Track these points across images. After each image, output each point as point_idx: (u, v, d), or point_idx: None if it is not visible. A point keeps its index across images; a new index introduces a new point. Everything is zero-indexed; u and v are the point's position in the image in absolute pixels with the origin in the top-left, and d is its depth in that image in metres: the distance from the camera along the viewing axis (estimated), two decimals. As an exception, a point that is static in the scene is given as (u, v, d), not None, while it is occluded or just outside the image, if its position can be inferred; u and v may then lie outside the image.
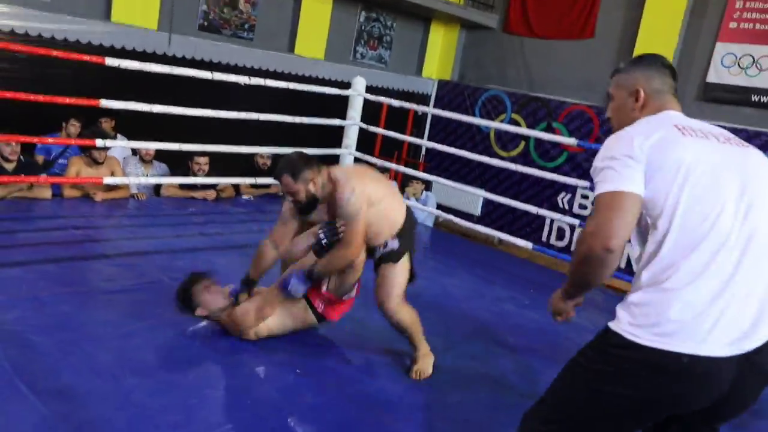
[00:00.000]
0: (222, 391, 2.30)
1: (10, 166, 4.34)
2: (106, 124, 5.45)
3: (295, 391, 2.39)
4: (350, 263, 2.60)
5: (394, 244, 2.65)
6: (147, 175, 5.21)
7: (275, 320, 2.72)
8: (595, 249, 1.47)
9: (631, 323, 1.49)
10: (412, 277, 2.75)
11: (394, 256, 2.65)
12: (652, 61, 1.76)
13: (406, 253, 2.68)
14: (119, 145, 5.14)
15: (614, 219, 1.45)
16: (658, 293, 1.47)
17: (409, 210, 2.80)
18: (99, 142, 4.28)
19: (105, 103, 4.02)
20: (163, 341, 2.63)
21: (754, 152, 1.59)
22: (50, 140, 4.22)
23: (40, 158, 5.13)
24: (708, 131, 1.59)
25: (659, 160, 1.48)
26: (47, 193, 4.51)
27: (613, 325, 1.53)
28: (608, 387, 1.49)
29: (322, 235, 2.60)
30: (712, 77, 7.18)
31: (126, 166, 5.21)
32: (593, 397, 1.53)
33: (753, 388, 1.55)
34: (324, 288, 2.72)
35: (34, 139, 4.04)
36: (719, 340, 1.42)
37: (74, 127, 5.06)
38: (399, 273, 2.66)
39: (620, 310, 1.55)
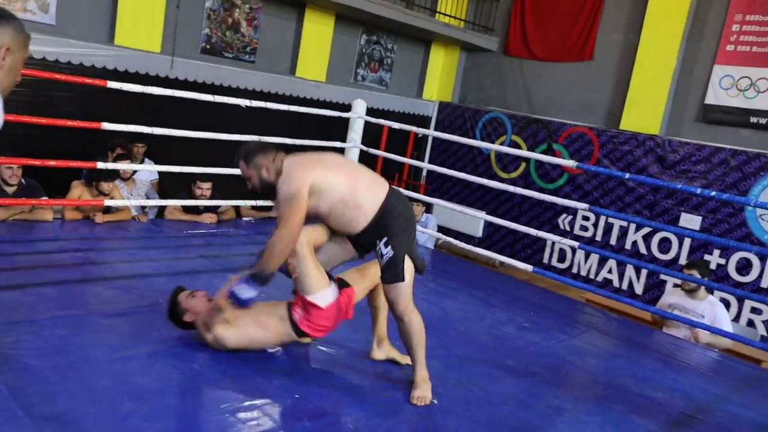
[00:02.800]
0: (219, 416, 2.28)
1: (10, 189, 4.35)
2: (140, 149, 5.51)
3: (294, 416, 2.37)
4: (288, 246, 2.51)
5: (389, 252, 2.57)
6: (131, 193, 5.22)
7: (241, 331, 2.65)
8: None
9: None
10: (418, 270, 2.67)
11: (393, 273, 2.57)
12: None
13: (404, 258, 2.58)
14: (145, 169, 5.19)
15: None
16: None
17: (393, 194, 2.67)
18: (100, 165, 4.31)
19: (107, 126, 4.05)
20: (161, 365, 2.61)
21: None
22: (52, 163, 4.23)
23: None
24: None
25: None
26: (48, 216, 4.52)
27: None
28: None
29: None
30: (710, 99, 7.23)
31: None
32: None
33: None
34: (293, 290, 2.70)
35: (35, 162, 4.06)
36: None
37: (119, 154, 5.13)
38: (404, 285, 2.60)
39: None
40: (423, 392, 2.60)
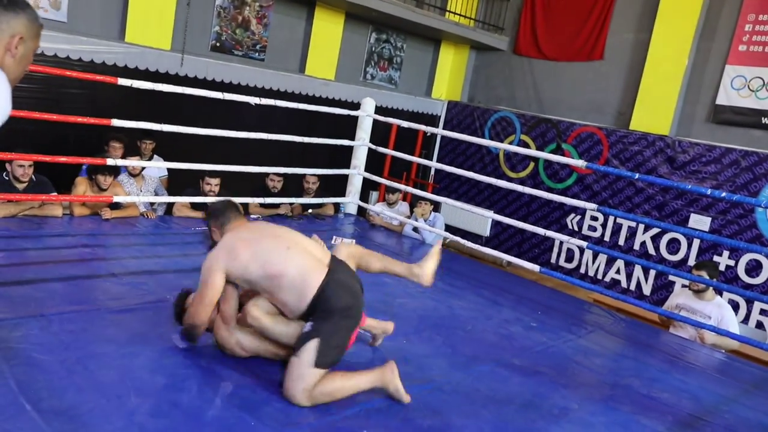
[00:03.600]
0: (225, 412, 2.28)
1: (21, 186, 4.39)
2: (149, 146, 5.53)
3: (299, 413, 2.37)
4: (195, 324, 2.58)
5: (307, 327, 2.43)
6: (141, 190, 5.25)
7: (254, 341, 2.65)
8: None
9: None
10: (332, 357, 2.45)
11: (299, 343, 2.40)
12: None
13: (314, 340, 2.37)
14: (153, 166, 5.21)
15: None
16: None
17: (332, 281, 2.48)
18: (110, 161, 4.34)
19: (116, 122, 4.07)
20: (168, 362, 2.63)
21: None
22: (62, 159, 4.26)
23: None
24: None
25: None
26: (58, 211, 4.55)
27: None
28: None
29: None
30: (722, 99, 7.18)
31: (123, 185, 5.26)
32: None
33: None
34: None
35: (46, 158, 4.09)
36: None
37: (114, 149, 5.13)
38: (302, 364, 2.35)
39: None
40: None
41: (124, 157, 5.22)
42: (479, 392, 2.79)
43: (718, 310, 4.42)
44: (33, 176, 4.45)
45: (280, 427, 2.25)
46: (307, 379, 2.34)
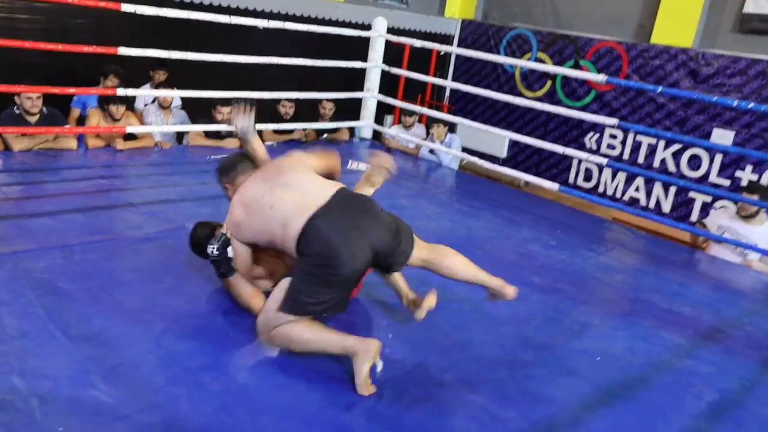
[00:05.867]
0: (249, 334, 2.32)
1: (32, 119, 4.36)
2: (161, 76, 5.43)
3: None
4: (249, 306, 2.41)
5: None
6: (167, 123, 5.21)
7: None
8: None
9: None
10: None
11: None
12: None
13: (287, 280, 2.21)
14: (164, 95, 5.12)
15: None
16: None
17: (315, 229, 2.18)
18: (120, 91, 4.28)
19: (122, 50, 3.98)
20: (191, 287, 2.66)
21: None
22: (71, 90, 4.20)
23: (76, 111, 5.14)
24: None
25: None
26: (72, 144, 4.54)
27: None
28: None
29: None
30: (749, 7, 6.85)
31: (147, 116, 5.21)
32: None
33: None
34: None
35: (54, 90, 4.03)
36: None
37: (112, 82, 5.04)
38: (270, 300, 2.23)
39: None
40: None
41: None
42: (500, 310, 2.79)
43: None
44: (44, 109, 4.41)
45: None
46: (269, 315, 2.18)
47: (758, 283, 3.78)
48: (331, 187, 2.35)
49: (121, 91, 4.28)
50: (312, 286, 2.15)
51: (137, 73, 5.33)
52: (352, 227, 2.21)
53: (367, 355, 2.05)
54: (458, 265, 2.43)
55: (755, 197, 4.05)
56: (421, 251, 2.40)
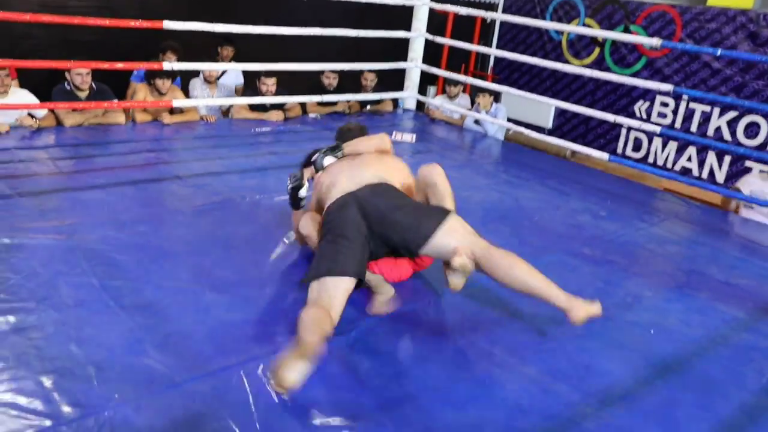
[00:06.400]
0: (298, 305, 2.32)
1: (82, 94, 4.44)
2: (229, 52, 5.45)
3: (361, 307, 2.39)
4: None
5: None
6: (213, 97, 5.24)
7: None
8: None
9: None
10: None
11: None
12: None
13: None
14: (215, 69, 5.14)
15: None
16: None
17: (338, 204, 2.39)
18: (166, 65, 4.31)
19: (168, 24, 4.00)
20: (239, 258, 2.68)
21: None
22: (119, 65, 4.25)
23: (135, 85, 5.19)
24: None
25: None
26: (121, 118, 4.61)
27: None
28: None
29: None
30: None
31: (192, 90, 5.24)
32: None
33: None
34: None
35: (103, 65, 4.09)
36: None
37: (169, 59, 5.08)
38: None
39: None
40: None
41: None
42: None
43: None
44: (93, 84, 4.48)
45: (350, 322, 2.28)
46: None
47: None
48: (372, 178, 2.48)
49: (167, 65, 4.32)
50: (330, 258, 2.19)
51: (202, 50, 5.30)
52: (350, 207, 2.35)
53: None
54: (520, 272, 2.19)
55: None
56: (466, 245, 2.23)
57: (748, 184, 4.46)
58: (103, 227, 2.83)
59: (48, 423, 1.63)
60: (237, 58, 5.38)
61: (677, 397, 2.02)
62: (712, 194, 4.58)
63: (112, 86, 4.69)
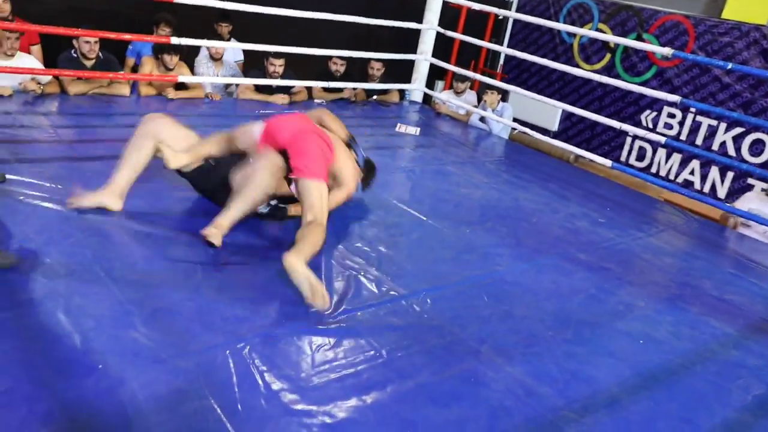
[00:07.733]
0: (290, 288, 2.31)
1: (89, 63, 4.41)
2: (225, 29, 5.41)
3: (354, 286, 2.39)
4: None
5: None
6: (218, 75, 5.21)
7: None
8: None
9: None
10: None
11: None
12: None
13: None
14: (222, 46, 5.11)
15: None
16: None
17: None
18: (174, 40, 4.28)
19: (179, -1, 3.97)
20: (235, 238, 2.66)
21: None
22: (127, 36, 4.23)
23: (131, 61, 5.18)
24: None
25: None
26: (125, 90, 4.59)
27: None
28: None
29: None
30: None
31: (198, 67, 5.22)
32: None
33: None
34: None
35: (111, 35, 4.07)
36: None
37: (164, 31, 5.04)
38: None
39: None
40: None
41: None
42: (542, 284, 2.74)
43: None
44: (100, 54, 4.46)
45: (339, 303, 2.27)
46: None
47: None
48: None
49: (175, 40, 4.29)
50: None
51: (205, 27, 5.28)
52: None
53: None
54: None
55: None
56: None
57: (747, 201, 4.44)
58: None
59: (29, 389, 1.62)
60: (244, 37, 5.34)
61: (661, 409, 2.02)
62: (711, 209, 4.57)
63: (120, 58, 4.67)
